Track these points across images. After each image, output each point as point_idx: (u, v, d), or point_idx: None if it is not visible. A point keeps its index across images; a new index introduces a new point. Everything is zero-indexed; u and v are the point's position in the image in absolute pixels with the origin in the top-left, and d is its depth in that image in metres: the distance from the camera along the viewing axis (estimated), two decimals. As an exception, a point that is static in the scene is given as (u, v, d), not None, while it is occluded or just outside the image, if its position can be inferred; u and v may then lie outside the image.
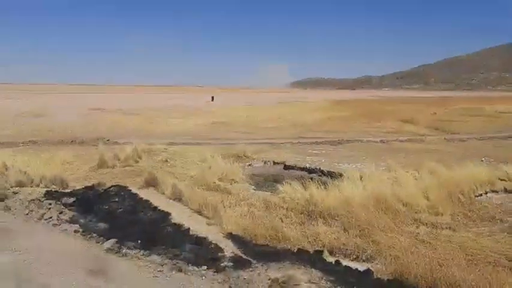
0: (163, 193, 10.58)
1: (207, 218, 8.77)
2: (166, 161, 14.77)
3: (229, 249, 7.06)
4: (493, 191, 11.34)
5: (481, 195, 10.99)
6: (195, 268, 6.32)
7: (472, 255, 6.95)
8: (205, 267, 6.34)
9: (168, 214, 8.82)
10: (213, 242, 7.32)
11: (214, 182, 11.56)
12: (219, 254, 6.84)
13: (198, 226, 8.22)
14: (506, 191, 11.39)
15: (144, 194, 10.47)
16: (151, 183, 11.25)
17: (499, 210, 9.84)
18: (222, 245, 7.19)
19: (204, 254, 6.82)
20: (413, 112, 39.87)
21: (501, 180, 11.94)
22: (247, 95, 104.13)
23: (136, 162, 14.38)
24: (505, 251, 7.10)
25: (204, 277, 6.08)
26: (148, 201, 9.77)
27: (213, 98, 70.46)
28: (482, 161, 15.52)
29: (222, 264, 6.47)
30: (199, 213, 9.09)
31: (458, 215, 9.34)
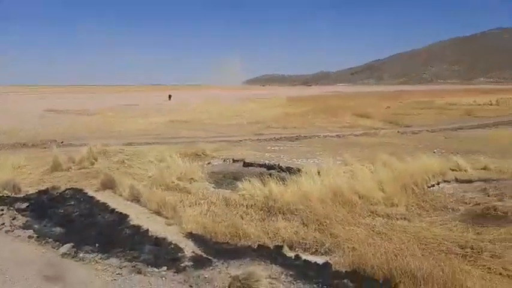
0: (121, 195, 10.38)
1: (167, 218, 8.67)
2: (124, 162, 14.46)
3: (189, 248, 7.02)
4: (445, 181, 11.77)
5: (433, 185, 11.39)
6: (155, 269, 6.25)
7: (426, 244, 7.20)
8: (165, 268, 6.28)
9: (126, 216, 8.66)
10: (173, 242, 7.25)
11: (173, 182, 11.44)
12: (179, 254, 6.80)
13: (157, 227, 8.13)
14: (457, 180, 11.85)
15: (101, 196, 10.23)
16: (108, 185, 11.00)
17: (450, 199, 10.24)
18: (182, 245, 7.14)
19: (163, 254, 6.76)
20: (368, 106, 40.89)
21: (452, 170, 12.42)
22: (204, 93, 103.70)
23: (92, 164, 14.00)
24: (457, 239, 7.39)
25: (164, 278, 6.03)
26: (106, 203, 9.56)
27: (170, 96, 69.68)
28: (434, 152, 16.10)
29: (182, 264, 6.43)
30: (159, 213, 8.98)
31: (412, 206, 9.65)
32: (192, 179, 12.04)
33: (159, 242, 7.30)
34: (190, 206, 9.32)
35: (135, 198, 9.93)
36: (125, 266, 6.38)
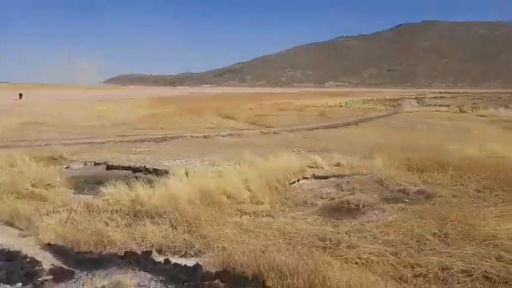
0: (-38, 206, 9.17)
1: (20, 229, 7.88)
2: (-35, 168, 12.78)
3: (48, 261, 6.46)
4: (304, 178, 12.61)
5: (294, 182, 12.12)
6: (8, 286, 5.63)
7: (290, 239, 7.62)
8: (20, 284, 5.69)
9: (-31, 230, 7.69)
10: (28, 255, 6.61)
11: (27, 189, 10.43)
12: (36, 267, 6.21)
13: (9, 239, 7.33)
14: (314, 177, 12.78)
15: None
16: None
17: (309, 195, 11.01)
18: (39, 258, 6.53)
19: (17, 269, 6.11)
20: (232, 108, 41.89)
21: (310, 167, 13.35)
22: (59, 92, 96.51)
23: None
24: (317, 232, 7.95)
25: (19, 295, 5.47)
26: None
27: (21, 95, 63.47)
28: (293, 151, 17.11)
29: (40, 278, 5.88)
30: (11, 224, 8.12)
31: (276, 202, 10.17)
32: (49, 185, 11.12)
33: (12, 256, 6.59)
34: (47, 215, 8.59)
35: (-19, 209, 8.84)
36: (-30, 287, 5.64)
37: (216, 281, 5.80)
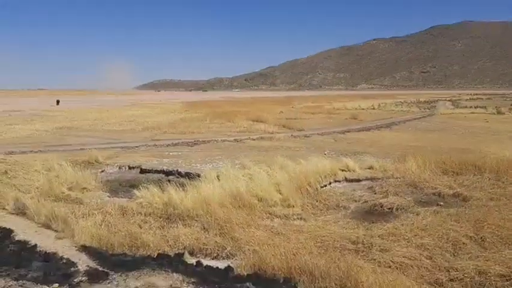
0: (4, 208, 9.49)
1: (57, 231, 8.09)
2: (6, 172, 13.19)
3: (83, 262, 6.61)
4: (336, 181, 12.48)
5: (325, 185, 12.01)
6: (45, 287, 5.78)
7: (321, 242, 7.54)
8: (56, 285, 5.83)
9: (10, 231, 7.94)
10: (64, 256, 6.78)
11: (63, 192, 10.73)
12: (72, 269, 6.36)
13: (46, 241, 7.55)
14: (346, 180, 12.63)
15: (-21, 211, 9.27)
16: (-12, 198, 9.99)
17: (341, 198, 10.87)
18: (74, 259, 6.69)
19: (54, 270, 6.27)
20: (262, 112, 41.95)
21: (342, 170, 13.20)
22: (94, 98, 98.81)
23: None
24: (349, 236, 7.84)
25: (55, 295, 5.60)
26: (-15, 218, 8.68)
27: (58, 101, 65.46)
28: (325, 154, 16.97)
29: (75, 279, 6.02)
30: (48, 227, 8.35)
31: (307, 206, 10.08)
32: (84, 188, 11.40)
33: (48, 258, 6.78)
34: (83, 217, 8.77)
35: (21, 211, 9.15)
36: (10, 286, 5.81)
37: (247, 284, 5.79)
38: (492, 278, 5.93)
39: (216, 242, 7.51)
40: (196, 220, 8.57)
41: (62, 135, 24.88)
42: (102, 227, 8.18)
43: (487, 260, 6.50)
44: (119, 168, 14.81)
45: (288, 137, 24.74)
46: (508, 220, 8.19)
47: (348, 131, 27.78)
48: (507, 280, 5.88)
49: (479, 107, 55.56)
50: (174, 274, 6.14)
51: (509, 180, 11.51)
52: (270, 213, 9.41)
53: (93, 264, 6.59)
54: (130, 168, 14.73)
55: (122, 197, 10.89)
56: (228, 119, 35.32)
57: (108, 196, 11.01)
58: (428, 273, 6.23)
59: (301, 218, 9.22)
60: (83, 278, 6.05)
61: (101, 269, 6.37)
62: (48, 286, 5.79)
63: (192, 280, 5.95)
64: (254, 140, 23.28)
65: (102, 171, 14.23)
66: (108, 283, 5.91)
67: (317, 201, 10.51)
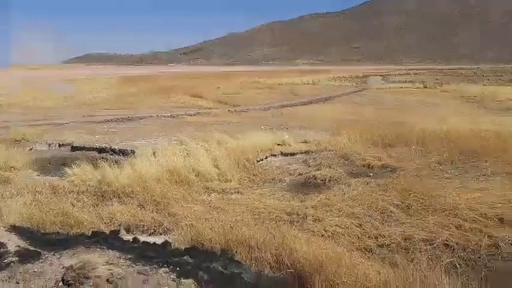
0: None
1: (-17, 212, 7.71)
2: None
3: (13, 243, 6.35)
4: (272, 155, 12.71)
5: (262, 160, 12.21)
6: (-28, 270, 5.53)
7: (258, 214, 7.75)
8: (-16, 267, 5.59)
9: None
10: (-8, 237, 6.49)
11: (-12, 172, 10.18)
12: (1, 249, 6.11)
13: (-29, 223, 7.17)
14: (282, 154, 12.90)
15: None
16: None
17: (277, 171, 11.15)
18: (3, 240, 6.41)
19: (-19, 252, 6.01)
20: (199, 87, 41.47)
21: (278, 145, 13.45)
22: (18, 73, 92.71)
23: None
24: (284, 207, 8.10)
25: (-17, 278, 5.37)
26: None
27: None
28: (262, 129, 17.15)
29: (5, 260, 5.78)
30: (-27, 208, 7.93)
31: (244, 180, 10.26)
32: (12, 167, 10.85)
33: (-25, 240, 6.46)
34: (11, 197, 8.44)
35: None
36: None
37: (185, 257, 5.84)
38: (417, 242, 6.40)
39: (152, 218, 7.50)
40: (132, 197, 8.49)
41: (-15, 112, 23.36)
42: (33, 206, 7.91)
43: (412, 227, 6.98)
44: (49, 145, 14.18)
45: (225, 112, 24.72)
46: (431, 189, 8.78)
47: (286, 106, 28.15)
48: (430, 244, 6.37)
49: (408, 81, 58.13)
50: (110, 251, 6.05)
51: (433, 151, 12.25)
52: (207, 188, 9.50)
53: (24, 244, 6.36)
54: (60, 145, 14.15)
55: (52, 176, 10.51)
56: (164, 94, 34.64)
57: (37, 175, 10.58)
58: (358, 240, 6.61)
59: (238, 192, 9.38)
60: (14, 259, 5.83)
61: (32, 248, 6.16)
62: (-25, 269, 5.55)
63: (129, 256, 5.90)
64: (192, 115, 23.07)
65: (31, 149, 13.58)
66: (41, 262, 5.74)
67: (254, 175, 10.71)
